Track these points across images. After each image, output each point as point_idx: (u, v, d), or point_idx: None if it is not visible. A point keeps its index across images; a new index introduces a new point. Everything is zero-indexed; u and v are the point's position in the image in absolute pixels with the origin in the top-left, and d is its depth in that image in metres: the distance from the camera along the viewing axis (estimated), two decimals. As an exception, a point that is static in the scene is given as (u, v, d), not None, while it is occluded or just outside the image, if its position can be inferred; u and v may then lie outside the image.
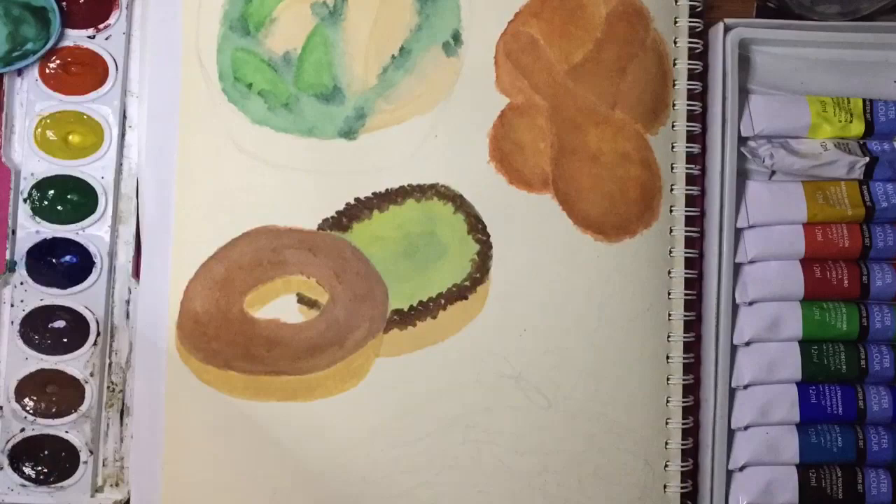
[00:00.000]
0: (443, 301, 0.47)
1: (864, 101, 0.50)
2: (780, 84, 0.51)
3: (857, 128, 0.50)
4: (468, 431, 0.47)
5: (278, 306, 0.47)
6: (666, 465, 0.48)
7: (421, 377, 0.47)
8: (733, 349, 0.50)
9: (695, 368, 0.49)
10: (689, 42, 0.49)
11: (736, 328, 0.50)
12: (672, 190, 0.49)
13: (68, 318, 0.47)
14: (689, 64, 0.49)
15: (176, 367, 0.46)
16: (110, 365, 0.48)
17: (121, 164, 0.48)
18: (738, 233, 0.50)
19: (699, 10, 0.50)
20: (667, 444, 0.48)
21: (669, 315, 0.49)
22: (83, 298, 0.47)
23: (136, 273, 0.48)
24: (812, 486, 0.49)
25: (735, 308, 0.50)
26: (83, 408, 0.47)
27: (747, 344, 0.50)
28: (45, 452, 0.47)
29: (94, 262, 0.47)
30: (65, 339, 0.47)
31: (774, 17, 0.51)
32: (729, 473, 0.49)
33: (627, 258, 0.48)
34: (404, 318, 0.47)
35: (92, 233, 0.47)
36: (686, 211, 0.49)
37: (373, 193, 0.47)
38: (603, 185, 0.48)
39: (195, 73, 0.47)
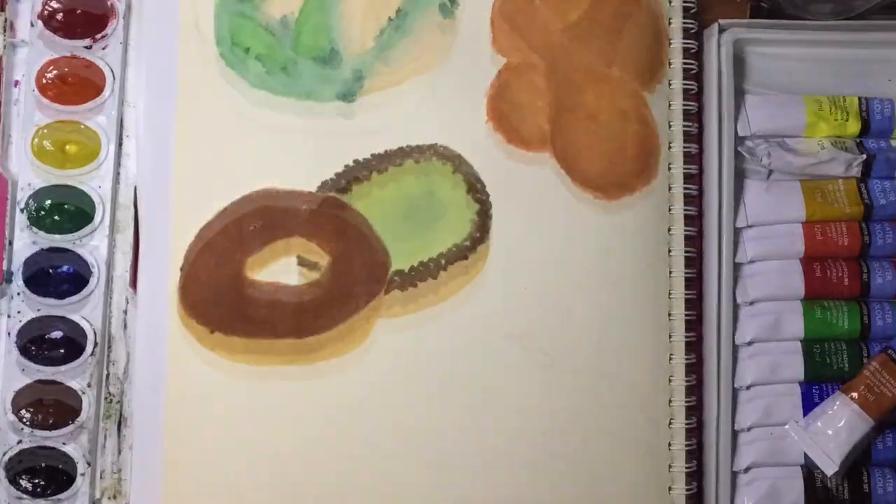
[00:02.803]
0: (443, 261, 0.47)
1: (859, 99, 0.50)
2: (776, 84, 0.51)
3: (854, 126, 0.50)
4: (471, 391, 0.47)
5: (279, 269, 0.47)
6: (670, 423, 0.48)
7: (423, 338, 0.47)
8: (735, 349, 0.49)
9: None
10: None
11: (737, 328, 0.49)
12: (670, 147, 0.49)
13: (65, 328, 0.47)
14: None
15: (178, 332, 0.46)
16: (108, 376, 0.47)
17: (118, 174, 0.48)
18: (737, 233, 0.50)
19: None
20: (670, 401, 0.48)
21: (671, 272, 0.49)
22: (80, 309, 0.47)
23: (134, 283, 0.47)
24: (817, 487, 0.48)
25: (736, 308, 0.50)
26: (80, 419, 0.46)
27: (749, 344, 0.49)
28: (42, 465, 0.46)
29: (91, 273, 0.47)
30: (62, 350, 0.47)
31: (768, 17, 0.51)
32: (734, 475, 0.49)
33: (627, 215, 0.48)
34: (405, 278, 0.47)
35: (89, 243, 0.47)
36: (684, 168, 0.49)
37: (371, 155, 0.47)
38: (601, 143, 0.48)
39: (193, 38, 0.47)
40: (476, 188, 0.47)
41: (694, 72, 0.50)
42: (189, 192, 0.47)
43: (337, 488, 0.46)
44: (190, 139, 0.47)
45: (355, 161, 0.47)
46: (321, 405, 0.46)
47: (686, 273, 0.49)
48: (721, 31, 0.49)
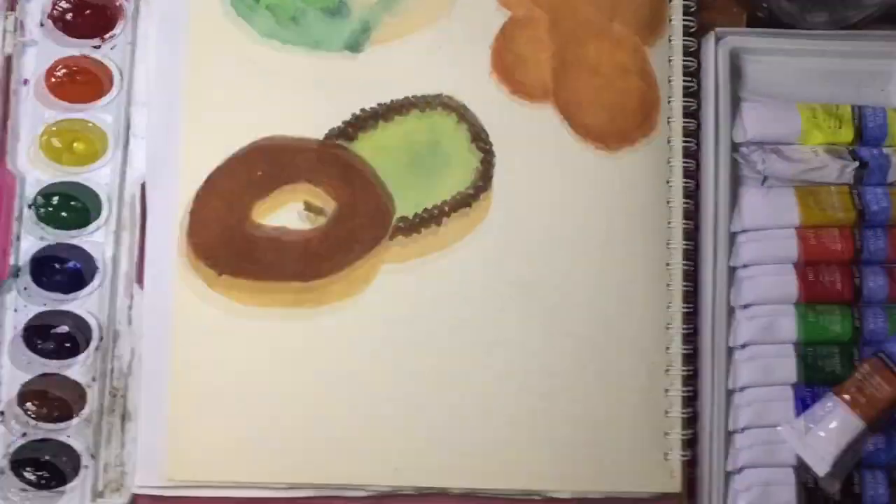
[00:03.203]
0: (447, 208, 0.48)
1: (853, 107, 0.51)
2: (771, 92, 0.52)
3: (847, 134, 0.51)
4: (475, 337, 0.48)
5: (286, 214, 0.48)
6: (667, 370, 0.49)
7: (427, 284, 0.48)
8: (730, 351, 0.50)
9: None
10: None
11: (732, 331, 0.50)
12: (670, 102, 0.50)
13: (71, 323, 0.47)
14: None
15: (186, 275, 0.47)
16: (112, 370, 0.48)
17: (125, 172, 0.49)
18: (732, 237, 0.50)
19: (693, 29, 0.51)
20: (667, 349, 0.49)
21: (669, 222, 0.49)
22: (86, 304, 0.48)
23: (139, 279, 0.48)
24: (809, 488, 0.49)
25: (731, 311, 0.50)
26: (85, 412, 0.47)
27: (743, 347, 0.50)
28: (47, 457, 0.47)
29: (97, 268, 0.48)
30: (67, 345, 0.47)
31: (764, 27, 0.52)
32: (728, 475, 0.50)
33: (627, 167, 0.49)
34: (410, 225, 0.48)
35: (95, 239, 0.48)
36: (683, 122, 0.50)
37: (378, 104, 0.48)
38: (603, 96, 0.49)
39: None
40: (480, 137, 0.48)
41: (693, 29, 0.51)
42: (199, 137, 0.48)
43: (342, 431, 0.47)
44: (200, 86, 0.48)
45: (362, 110, 0.48)
46: (326, 347, 0.47)
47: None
48: (718, 39, 0.50)
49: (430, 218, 0.48)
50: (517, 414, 0.48)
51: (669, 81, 0.50)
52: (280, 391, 0.47)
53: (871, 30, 0.52)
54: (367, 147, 0.48)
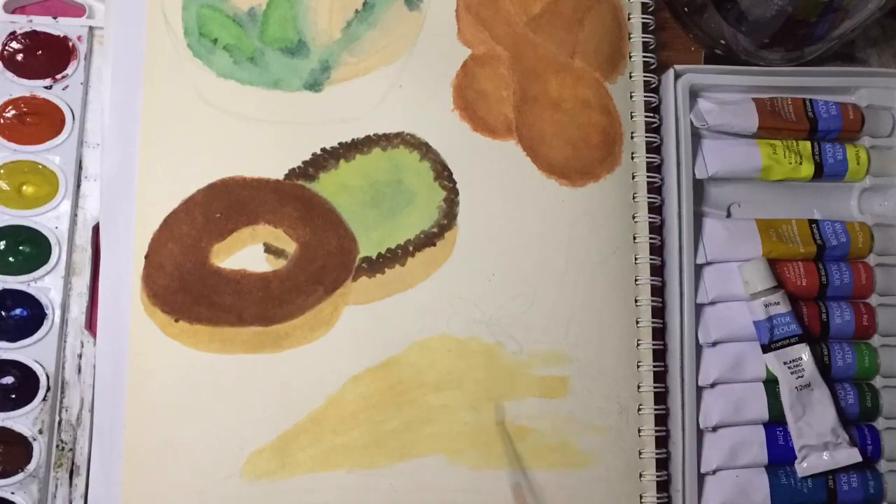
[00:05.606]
0: (411, 248, 0.47)
1: (812, 143, 0.52)
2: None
3: (808, 169, 0.51)
4: (441, 378, 0.46)
5: (245, 256, 0.46)
6: (639, 409, 0.48)
7: (391, 324, 0.46)
8: (700, 389, 0.49)
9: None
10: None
11: (701, 370, 0.49)
12: (633, 137, 0.50)
13: (17, 373, 0.45)
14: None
15: (141, 321, 0.45)
16: (60, 422, 0.46)
17: (76, 215, 0.47)
18: (697, 270, 0.50)
19: (653, 66, 0.51)
20: (639, 387, 0.48)
21: (636, 258, 0.49)
22: (33, 352, 0.46)
23: (90, 326, 0.46)
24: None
25: (699, 348, 0.50)
26: (30, 467, 0.45)
27: (712, 385, 0.49)
28: (-11, 516, 0.44)
29: (45, 315, 0.46)
30: (13, 395, 0.45)
31: (722, 64, 0.52)
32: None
33: (592, 202, 0.49)
34: (373, 265, 0.47)
35: (44, 284, 0.46)
36: (647, 157, 0.50)
37: (339, 143, 0.47)
38: (565, 131, 0.49)
39: (160, 30, 0.47)
40: (443, 175, 0.48)
41: (653, 66, 0.51)
42: (155, 180, 0.46)
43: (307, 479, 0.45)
44: (156, 127, 0.47)
45: (322, 149, 0.47)
46: (289, 394, 0.45)
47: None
48: (677, 75, 0.50)
49: (395, 258, 0.47)
50: (486, 455, 0.46)
51: (632, 117, 0.50)
52: (241, 442, 0.45)
53: (826, 66, 0.53)
54: (328, 186, 0.47)
